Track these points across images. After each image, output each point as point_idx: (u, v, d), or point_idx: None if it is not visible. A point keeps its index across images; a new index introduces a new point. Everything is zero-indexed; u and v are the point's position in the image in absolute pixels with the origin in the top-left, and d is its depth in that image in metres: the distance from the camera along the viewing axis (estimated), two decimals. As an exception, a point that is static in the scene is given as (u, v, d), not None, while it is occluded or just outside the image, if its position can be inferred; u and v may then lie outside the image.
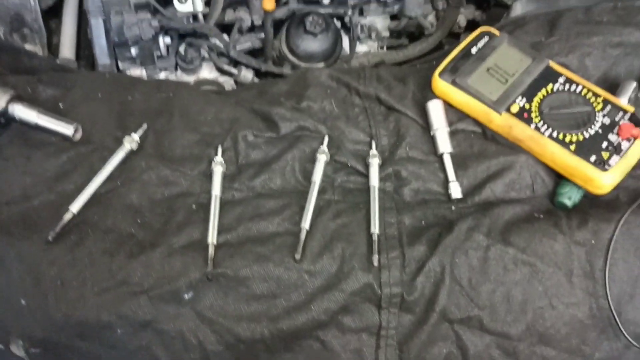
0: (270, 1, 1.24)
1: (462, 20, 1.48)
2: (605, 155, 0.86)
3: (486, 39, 0.98)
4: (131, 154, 0.89)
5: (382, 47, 1.43)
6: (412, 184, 0.90)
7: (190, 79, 1.40)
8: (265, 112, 0.94)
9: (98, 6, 1.26)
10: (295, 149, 0.91)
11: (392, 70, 1.03)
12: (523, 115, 0.90)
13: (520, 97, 0.92)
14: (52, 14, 1.48)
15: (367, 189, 0.89)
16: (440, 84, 0.95)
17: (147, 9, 1.22)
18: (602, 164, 0.85)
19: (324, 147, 0.91)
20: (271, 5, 1.25)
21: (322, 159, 0.90)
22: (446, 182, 0.90)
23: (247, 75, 1.37)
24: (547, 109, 0.90)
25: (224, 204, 0.86)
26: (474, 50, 0.97)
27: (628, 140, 0.86)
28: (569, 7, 1.04)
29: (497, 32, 0.98)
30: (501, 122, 0.91)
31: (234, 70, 1.37)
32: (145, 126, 0.91)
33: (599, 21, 1.01)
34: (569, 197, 0.87)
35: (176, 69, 1.37)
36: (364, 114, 0.96)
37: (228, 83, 1.40)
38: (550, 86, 0.92)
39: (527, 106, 0.91)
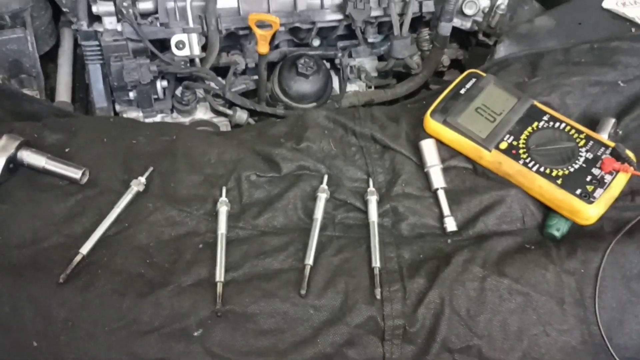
0: (264, 45, 1.30)
1: (445, 59, 1.54)
2: (590, 188, 0.91)
3: (473, 80, 1.03)
4: (138, 196, 0.92)
5: (370, 87, 1.49)
6: (409, 219, 0.94)
7: (186, 120, 1.44)
8: (267, 153, 0.98)
9: (96, 52, 1.31)
10: (296, 187, 0.95)
11: (384, 111, 1.08)
12: (511, 152, 0.95)
13: (508, 135, 0.97)
14: (47, 58, 1.53)
15: (366, 225, 0.93)
16: (432, 124, 1.00)
17: (145, 54, 1.27)
18: (587, 197, 0.90)
19: (324, 185, 0.95)
20: (265, 48, 1.30)
21: (322, 197, 0.93)
22: (441, 216, 0.94)
23: (242, 116, 1.41)
24: (533, 146, 0.95)
25: (229, 243, 0.89)
26: (462, 91, 1.02)
27: (610, 173, 0.92)
28: (549, 49, 1.10)
29: (483, 74, 1.04)
30: (491, 158, 0.96)
31: (229, 112, 1.41)
32: (151, 169, 0.94)
33: (577, 62, 1.08)
34: (558, 229, 0.92)
35: (172, 110, 1.41)
36: (361, 152, 1.01)
37: (223, 123, 1.44)
38: (535, 124, 0.98)
39: (514, 143, 0.96)
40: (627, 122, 1.02)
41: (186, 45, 1.25)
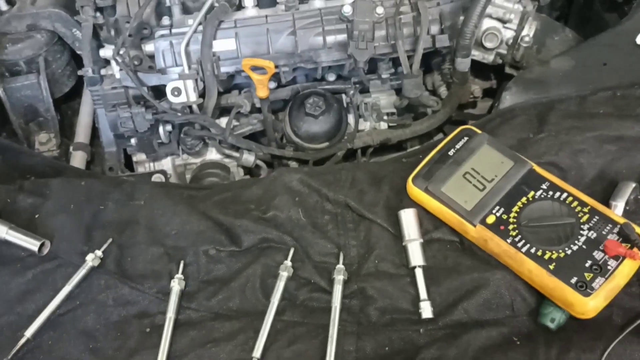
0: (262, 89, 1.23)
1: (477, 91, 1.42)
2: (588, 276, 0.77)
3: (465, 139, 0.91)
4: (92, 271, 0.88)
5: (393, 121, 1.37)
6: (378, 302, 0.84)
7: (196, 160, 1.40)
8: (229, 225, 0.91)
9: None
10: (257, 263, 0.88)
11: (371, 169, 0.98)
12: (499, 228, 0.83)
13: (497, 207, 0.84)
14: (76, 96, 1.54)
15: (330, 309, 0.84)
16: (414, 191, 0.90)
17: (145, 100, 1.24)
18: (584, 287, 0.76)
19: (288, 262, 0.87)
20: (264, 92, 1.24)
21: (283, 276, 0.86)
22: (417, 299, 0.84)
23: (248, 159, 1.35)
24: (525, 221, 0.82)
25: (179, 326, 0.84)
26: (451, 152, 0.90)
27: (616, 258, 0.77)
28: (562, 97, 0.96)
29: (478, 131, 0.92)
30: (476, 234, 0.84)
31: (235, 154, 1.36)
32: (110, 240, 0.91)
33: (594, 113, 0.93)
34: (552, 319, 0.79)
35: (182, 152, 1.38)
36: (334, 222, 0.91)
37: (233, 164, 1.39)
38: (531, 194, 0.84)
39: (504, 217, 0.84)
40: (653, 187, 0.87)
41: (182, 92, 1.21)
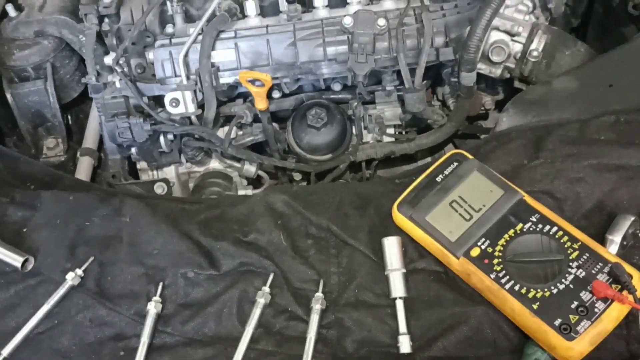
0: (261, 101, 1.21)
1: (488, 102, 1.37)
2: (573, 318, 0.73)
3: (455, 165, 0.87)
4: (72, 290, 0.88)
5: (400, 132, 1.34)
6: (355, 334, 0.81)
7: (200, 169, 1.40)
8: (209, 247, 0.89)
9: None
10: (235, 288, 0.86)
11: (359, 191, 0.95)
12: (483, 262, 0.79)
13: (483, 239, 0.80)
14: (85, 101, 1.55)
15: (306, 339, 0.81)
16: (398, 218, 0.86)
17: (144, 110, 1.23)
18: (568, 330, 0.72)
19: (266, 288, 0.85)
20: (263, 105, 1.22)
21: (260, 303, 0.84)
22: (396, 331, 0.81)
23: (249, 169, 1.34)
24: (511, 255, 0.78)
25: (153, 350, 0.83)
26: (439, 178, 0.87)
27: (604, 300, 0.73)
28: (561, 121, 0.91)
29: (470, 156, 0.88)
30: (459, 267, 0.81)
31: (237, 165, 1.35)
32: (91, 259, 0.90)
33: (594, 139, 0.88)
34: (536, 361, 0.75)
35: (186, 160, 1.37)
36: (317, 246, 0.89)
37: (236, 174, 1.38)
38: (519, 226, 0.80)
39: (489, 250, 0.80)
40: (655, 220, 0.81)
41: (181, 102, 1.19)
